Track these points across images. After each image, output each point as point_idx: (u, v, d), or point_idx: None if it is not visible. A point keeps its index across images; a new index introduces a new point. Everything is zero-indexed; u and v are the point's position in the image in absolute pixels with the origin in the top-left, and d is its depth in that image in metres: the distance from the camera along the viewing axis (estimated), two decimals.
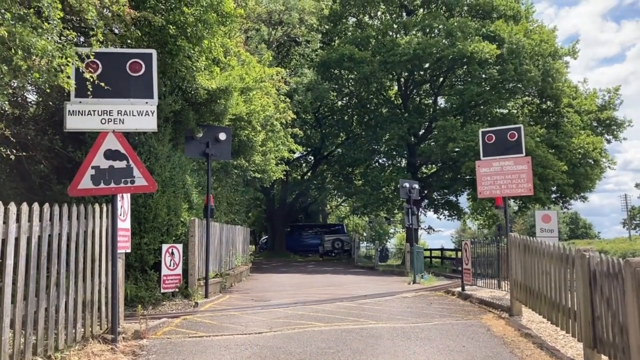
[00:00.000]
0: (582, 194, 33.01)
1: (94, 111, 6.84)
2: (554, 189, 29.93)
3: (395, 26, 32.81)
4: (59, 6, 6.01)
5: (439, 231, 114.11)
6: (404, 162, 35.35)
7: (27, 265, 5.32)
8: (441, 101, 35.30)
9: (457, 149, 27.93)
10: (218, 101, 12.19)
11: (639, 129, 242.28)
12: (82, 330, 6.42)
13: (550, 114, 32.34)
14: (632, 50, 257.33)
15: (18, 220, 5.21)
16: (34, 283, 5.43)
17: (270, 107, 17.81)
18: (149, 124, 7.12)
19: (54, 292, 5.81)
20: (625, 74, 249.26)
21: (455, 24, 29.15)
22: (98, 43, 6.74)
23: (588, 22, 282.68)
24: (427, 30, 31.15)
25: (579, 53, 32.82)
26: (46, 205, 5.69)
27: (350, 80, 33.93)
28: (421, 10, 33.81)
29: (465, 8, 32.58)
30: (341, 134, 38.30)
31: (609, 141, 33.62)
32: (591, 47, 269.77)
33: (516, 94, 31.67)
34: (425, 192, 33.37)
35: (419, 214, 33.39)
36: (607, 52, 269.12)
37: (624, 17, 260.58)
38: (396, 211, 37.54)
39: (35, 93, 9.88)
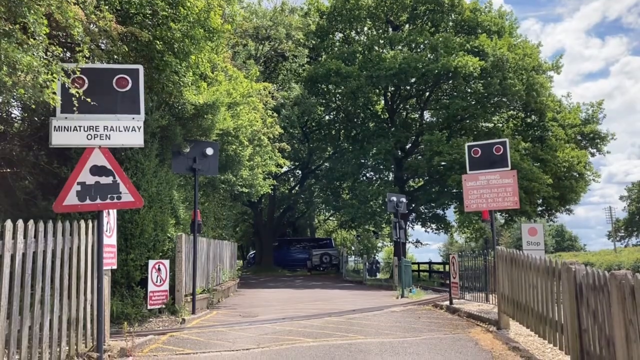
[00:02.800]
0: (567, 207, 33.40)
1: (79, 127, 6.80)
2: (539, 201, 30.24)
3: (381, 41, 33.14)
4: (45, 22, 5.99)
5: (426, 245, 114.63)
6: (391, 176, 35.48)
7: (10, 283, 5.25)
8: (427, 115, 35.63)
9: (443, 163, 28.15)
10: (205, 116, 12.19)
11: (623, 142, 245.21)
12: (67, 348, 6.33)
13: (535, 128, 32.71)
14: (616, 65, 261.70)
15: (2, 237, 5.15)
16: (18, 301, 5.36)
17: (257, 121, 17.84)
18: (136, 139, 7.08)
19: (39, 310, 5.73)
20: (610, 88, 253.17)
21: (441, 39, 29.50)
22: (84, 59, 6.72)
23: (573, 38, 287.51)
24: (413, 45, 31.52)
25: (562, 68, 33.33)
26: (31, 222, 5.63)
27: (337, 95, 34.12)
28: (407, 25, 34.18)
29: (451, 24, 33.01)
30: (328, 148, 38.39)
31: (593, 154, 34.10)
32: (576, 62, 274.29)
33: (501, 108, 32.06)
34: (413, 205, 33.48)
35: (407, 227, 33.45)
36: (591, 67, 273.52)
37: (608, 34, 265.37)
38: (384, 225, 37.58)
39: (20, 109, 9.82)
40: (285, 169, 36.10)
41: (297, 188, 43.38)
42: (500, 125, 33.11)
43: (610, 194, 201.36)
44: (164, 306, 10.96)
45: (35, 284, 5.69)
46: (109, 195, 6.82)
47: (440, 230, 38.38)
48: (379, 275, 28.93)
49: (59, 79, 6.29)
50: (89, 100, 6.60)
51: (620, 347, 4.64)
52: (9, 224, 5.25)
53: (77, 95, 6.47)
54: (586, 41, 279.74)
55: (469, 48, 29.30)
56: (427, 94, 33.44)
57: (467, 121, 31.62)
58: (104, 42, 8.97)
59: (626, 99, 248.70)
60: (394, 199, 18.33)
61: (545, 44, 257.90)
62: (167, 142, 12.12)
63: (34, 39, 5.98)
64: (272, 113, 22.73)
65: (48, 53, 6.24)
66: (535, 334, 7.59)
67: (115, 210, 7.76)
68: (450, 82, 30.90)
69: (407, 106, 35.73)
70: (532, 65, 29.94)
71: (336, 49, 34.57)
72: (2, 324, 5.11)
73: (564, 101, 34.66)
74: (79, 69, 6.68)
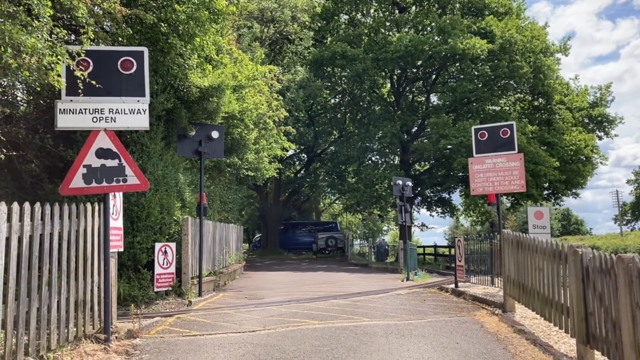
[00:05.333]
0: (573, 191, 33.25)
1: (85, 109, 6.79)
2: (546, 185, 30.12)
3: (387, 23, 32.85)
4: (49, 4, 5.95)
5: (432, 228, 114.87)
6: (397, 160, 35.42)
7: (18, 265, 5.28)
8: (434, 98, 35.42)
9: (449, 146, 28.05)
10: (210, 99, 12.14)
11: (632, 126, 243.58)
12: (75, 330, 6.38)
13: (542, 111, 32.50)
14: (627, 48, 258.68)
15: (9, 219, 5.17)
16: (26, 283, 5.39)
17: (263, 105, 17.76)
18: (141, 122, 7.07)
19: (46, 292, 5.77)
20: (620, 72, 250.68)
21: (448, 21, 29.21)
22: (89, 41, 6.68)
23: (583, 20, 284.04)
24: (420, 27, 31.23)
25: (570, 50, 33.02)
26: (37, 205, 5.64)
27: (343, 78, 33.94)
28: (413, 7, 33.86)
29: (458, 5, 32.67)
30: (334, 132, 38.30)
31: (600, 138, 33.86)
32: (587, 45, 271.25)
33: (508, 90, 31.84)
34: (418, 189, 33.45)
35: (412, 211, 33.46)
36: (602, 50, 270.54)
37: (619, 16, 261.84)
38: (389, 209, 37.63)
39: (25, 91, 9.80)
40: (290, 152, 36.05)
41: (302, 172, 43.39)
42: (507, 108, 32.89)
43: (618, 178, 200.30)
44: (170, 288, 11.03)
45: (43, 266, 5.72)
46: (114, 178, 6.83)
47: (446, 214, 38.42)
48: (388, 259, 28.91)
49: (63, 61, 6.26)
50: (94, 82, 6.58)
51: (626, 330, 4.63)
52: (15, 206, 5.26)
53: (82, 78, 6.45)
54: (597, 23, 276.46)
55: (475, 30, 29.02)
56: (434, 76, 33.21)
57: (474, 104, 31.41)
58: (108, 24, 8.90)
59: (636, 82, 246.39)
60: (400, 182, 18.30)
61: (556, 27, 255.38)
62: (172, 125, 12.10)
63: (38, 20, 5.94)
64: (278, 96, 22.60)
65: (52, 35, 6.20)
66: (540, 316, 7.60)
67: (121, 193, 7.78)
68: (457, 64, 30.68)
69: (414, 89, 35.52)
70: (540, 48, 29.64)
71: (342, 31, 34.32)
72: (11, 306, 5.15)
73: (572, 84, 34.39)
74: (84, 51, 6.65)
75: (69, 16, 8.22)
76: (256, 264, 27.49)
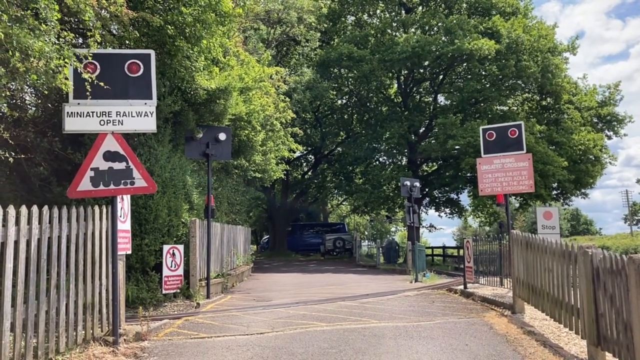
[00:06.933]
0: (582, 190, 32.99)
1: (92, 112, 6.82)
2: (554, 185, 29.93)
3: (394, 24, 32.76)
4: (56, 7, 5.97)
5: (440, 229, 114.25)
6: (404, 160, 35.32)
7: (26, 268, 5.29)
8: (441, 99, 35.30)
9: (457, 147, 27.92)
10: (217, 101, 12.17)
11: None
12: (83, 332, 6.40)
13: (551, 111, 32.30)
14: (637, 47, 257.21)
15: (17, 223, 5.19)
16: (34, 286, 5.41)
17: (269, 106, 17.79)
18: (148, 124, 7.09)
19: (54, 295, 5.79)
20: (630, 71, 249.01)
21: (454, 21, 29.12)
22: (96, 44, 6.71)
23: (592, 19, 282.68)
24: (426, 28, 31.14)
25: (578, 49, 32.75)
26: (45, 208, 5.66)
27: (350, 79, 33.88)
28: (420, 8, 33.77)
29: (464, 5, 32.54)
30: (341, 133, 38.25)
31: (609, 137, 33.59)
32: (596, 44, 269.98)
33: (516, 90, 31.68)
34: (426, 190, 33.33)
35: (420, 212, 33.35)
36: (611, 49, 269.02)
37: (629, 15, 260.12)
38: (397, 209, 37.54)
39: (33, 95, 9.86)
40: (298, 154, 36.03)
41: (310, 173, 43.37)
42: (515, 108, 32.74)
43: (628, 177, 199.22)
44: (178, 291, 11.04)
45: (51, 269, 5.74)
46: (122, 181, 6.84)
47: (454, 215, 38.26)
48: (399, 260, 28.67)
49: (71, 65, 6.29)
50: (102, 84, 6.60)
51: (638, 331, 4.58)
52: (24, 209, 5.28)
53: (90, 81, 6.47)
54: (606, 22, 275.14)
55: (482, 30, 28.91)
56: (441, 77, 33.10)
57: (482, 104, 31.29)
58: (115, 27, 8.94)
59: None
60: (408, 183, 18.24)
61: (565, 26, 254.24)
62: (179, 127, 12.13)
63: (46, 24, 5.96)
64: (284, 98, 22.60)
65: (60, 39, 6.23)
66: (550, 318, 7.54)
67: (129, 196, 7.80)
68: (465, 64, 30.56)
69: (421, 89, 35.42)
70: (548, 47, 29.46)
71: (348, 32, 34.27)
72: (20, 309, 5.16)
73: (580, 83, 34.09)
74: (91, 54, 6.68)
75: (76, 20, 8.27)
76: (264, 266, 27.50)
